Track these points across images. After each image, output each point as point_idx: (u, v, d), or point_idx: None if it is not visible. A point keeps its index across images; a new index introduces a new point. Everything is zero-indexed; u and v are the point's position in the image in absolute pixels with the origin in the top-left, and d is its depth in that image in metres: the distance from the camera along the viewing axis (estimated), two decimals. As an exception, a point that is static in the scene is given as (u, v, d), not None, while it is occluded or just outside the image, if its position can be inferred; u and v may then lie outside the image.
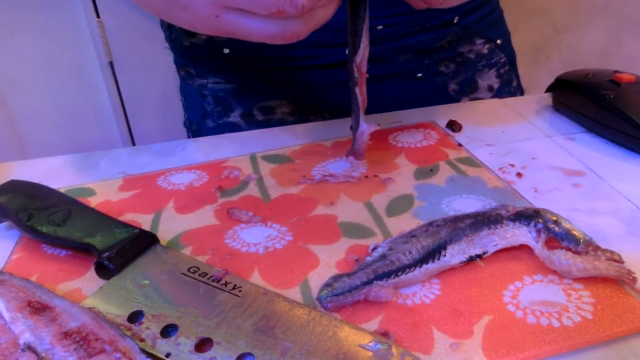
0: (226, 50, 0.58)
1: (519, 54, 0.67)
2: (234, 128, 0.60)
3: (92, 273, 0.33)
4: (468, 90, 0.62)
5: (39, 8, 1.06)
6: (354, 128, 0.43)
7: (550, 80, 0.54)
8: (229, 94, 0.60)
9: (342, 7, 0.34)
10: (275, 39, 0.33)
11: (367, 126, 0.42)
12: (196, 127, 0.64)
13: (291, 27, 0.32)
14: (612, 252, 0.31)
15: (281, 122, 0.59)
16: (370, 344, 0.26)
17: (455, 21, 0.58)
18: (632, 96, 0.45)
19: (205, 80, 0.61)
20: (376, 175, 0.42)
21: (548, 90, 0.54)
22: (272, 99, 0.60)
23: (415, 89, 0.60)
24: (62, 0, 1.06)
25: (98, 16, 1.09)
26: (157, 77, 1.14)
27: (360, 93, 0.42)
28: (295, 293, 0.31)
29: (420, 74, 0.60)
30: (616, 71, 0.49)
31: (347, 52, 0.40)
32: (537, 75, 1.33)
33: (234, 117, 0.60)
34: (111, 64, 1.14)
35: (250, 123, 0.60)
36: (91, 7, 1.08)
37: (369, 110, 0.55)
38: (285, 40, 0.33)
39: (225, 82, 0.60)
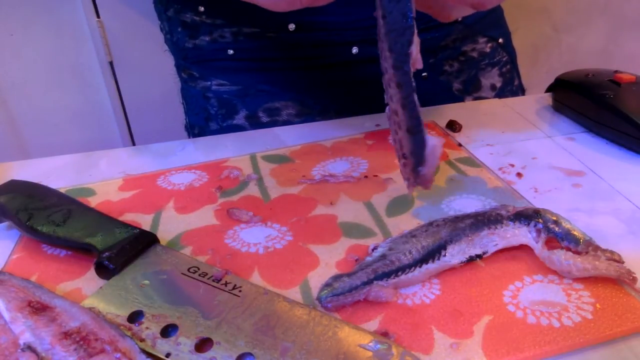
0: (230, 51, 0.57)
1: (519, 54, 0.67)
2: (238, 130, 0.60)
3: (92, 273, 0.33)
4: (471, 89, 0.62)
5: (39, 8, 1.06)
6: (413, 151, 0.31)
7: (550, 80, 0.54)
8: (233, 96, 0.60)
9: (346, 5, 0.34)
10: (279, 4, 0.34)
11: (438, 139, 0.31)
12: (198, 130, 0.64)
13: None
14: (612, 252, 0.31)
15: (287, 124, 0.59)
16: (370, 344, 0.26)
17: (459, 19, 0.58)
18: (632, 96, 0.45)
19: (209, 83, 0.60)
20: (376, 175, 0.42)
21: (548, 90, 0.54)
22: (278, 100, 0.59)
23: (420, 88, 0.60)
24: (62, 0, 1.06)
25: (98, 16, 1.09)
26: (157, 77, 1.14)
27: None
28: (295, 293, 0.31)
29: (425, 73, 0.60)
30: (616, 71, 0.49)
31: (379, 49, 0.32)
32: (537, 75, 1.33)
33: (239, 119, 0.60)
34: (111, 64, 1.14)
35: (256, 125, 0.60)
36: (91, 7, 1.08)
37: (373, 110, 0.54)
38: (288, 5, 0.34)
39: (230, 84, 0.59)
